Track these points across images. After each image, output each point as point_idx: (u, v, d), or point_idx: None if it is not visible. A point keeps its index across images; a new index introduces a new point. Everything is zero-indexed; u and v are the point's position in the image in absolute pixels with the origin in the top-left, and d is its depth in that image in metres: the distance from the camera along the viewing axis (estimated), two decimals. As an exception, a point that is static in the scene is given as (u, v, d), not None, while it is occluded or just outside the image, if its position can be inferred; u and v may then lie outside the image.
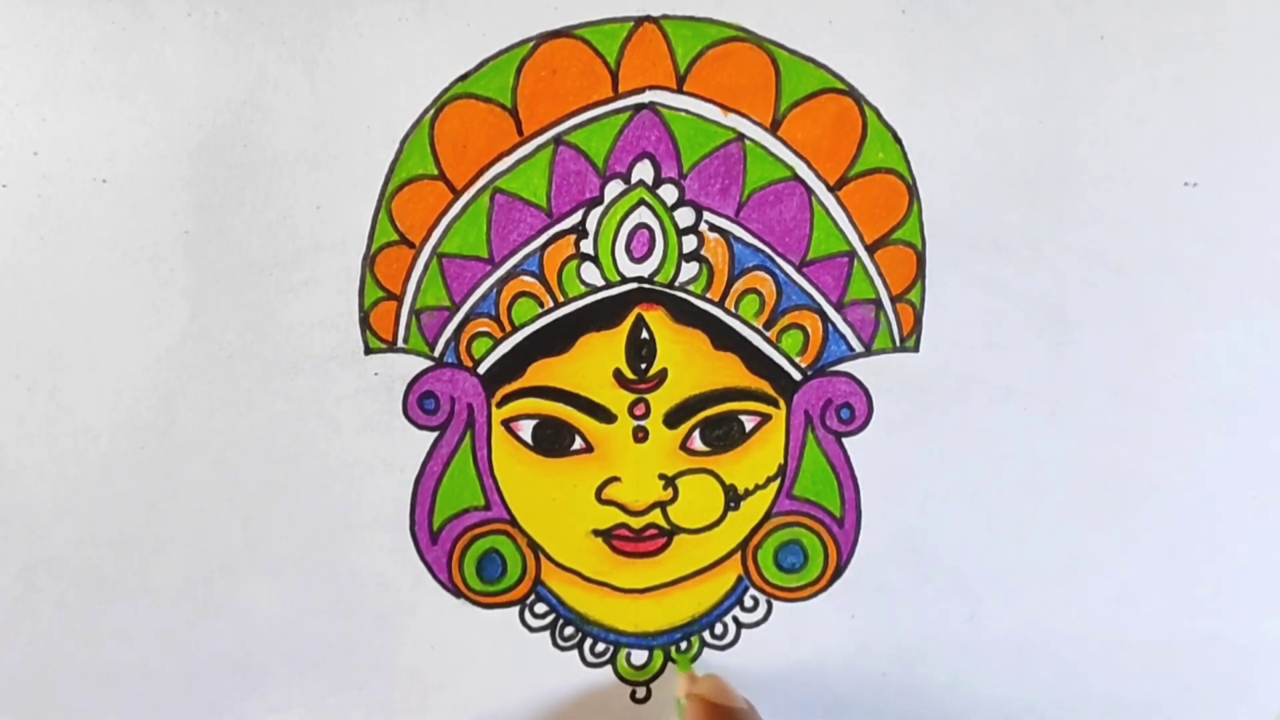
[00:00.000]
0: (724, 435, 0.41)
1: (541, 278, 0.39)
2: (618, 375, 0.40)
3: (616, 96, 0.38)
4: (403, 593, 0.41)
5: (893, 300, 0.41)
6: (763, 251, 0.40)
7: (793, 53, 0.38)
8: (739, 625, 0.43)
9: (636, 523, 0.41)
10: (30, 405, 0.38)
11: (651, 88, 0.38)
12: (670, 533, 0.42)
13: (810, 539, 0.42)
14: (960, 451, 0.42)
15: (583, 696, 0.43)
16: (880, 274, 0.40)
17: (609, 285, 0.39)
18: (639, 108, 0.38)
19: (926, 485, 0.42)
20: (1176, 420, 0.43)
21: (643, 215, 0.39)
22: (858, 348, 0.41)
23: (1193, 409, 0.42)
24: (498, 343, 0.40)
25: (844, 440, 0.42)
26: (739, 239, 0.40)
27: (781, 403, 0.41)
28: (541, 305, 0.39)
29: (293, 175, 0.37)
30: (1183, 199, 0.41)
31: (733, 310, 0.40)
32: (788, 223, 0.40)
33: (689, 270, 0.40)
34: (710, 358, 0.40)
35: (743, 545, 0.43)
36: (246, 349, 0.38)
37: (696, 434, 0.41)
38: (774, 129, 0.39)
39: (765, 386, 0.41)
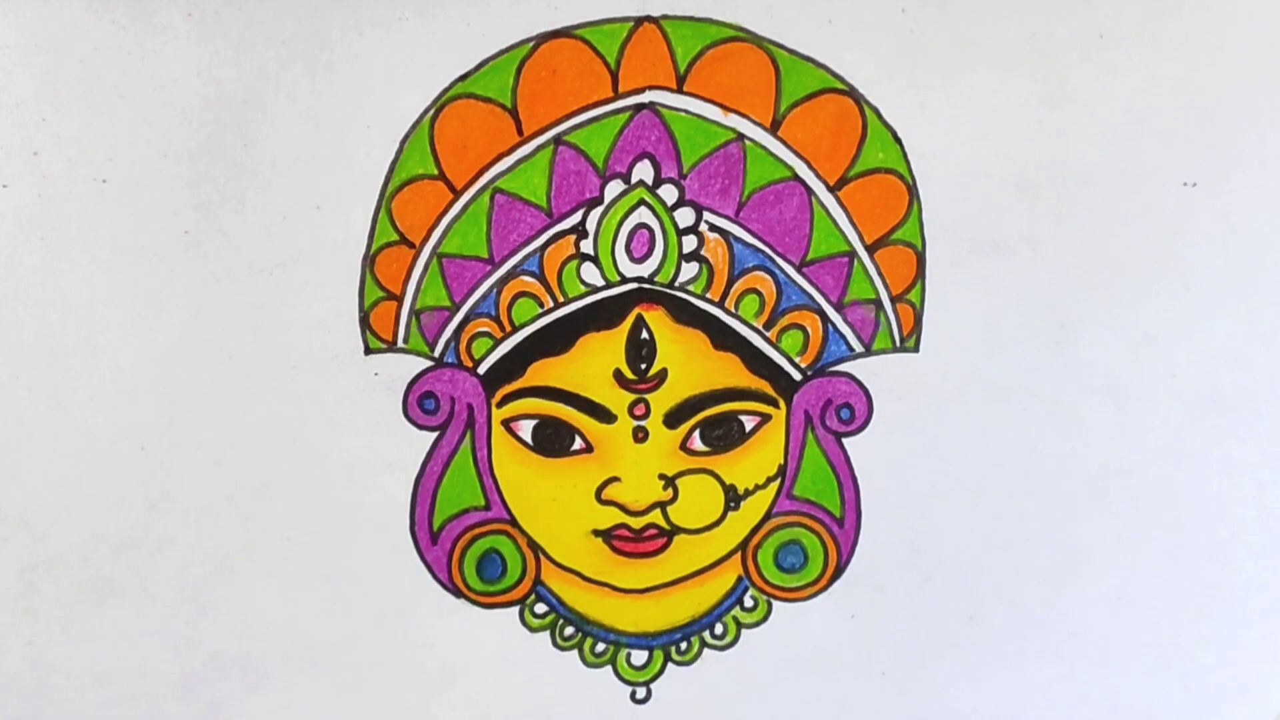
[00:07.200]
0: (724, 435, 0.41)
1: (541, 278, 0.39)
2: (618, 375, 0.40)
3: (616, 96, 0.38)
4: (403, 593, 0.41)
5: (893, 300, 0.41)
6: (763, 251, 0.40)
7: (793, 53, 0.38)
8: (739, 625, 0.43)
9: (636, 523, 0.41)
10: (30, 405, 0.38)
11: (651, 88, 0.38)
12: (670, 533, 0.42)
13: (810, 539, 0.42)
14: (960, 451, 0.42)
15: (583, 696, 0.43)
16: (880, 274, 0.40)
17: (609, 285, 0.39)
18: (639, 108, 0.38)
19: (926, 485, 0.42)
20: (1176, 420, 0.43)
21: (643, 215, 0.39)
22: (858, 348, 0.41)
23: (1193, 409, 0.42)
24: (498, 343, 0.40)
25: (844, 440, 0.42)
26: (739, 239, 0.39)
27: (781, 403, 0.41)
28: (541, 305, 0.39)
29: (293, 175, 0.37)
30: (1183, 199, 0.41)
31: (733, 310, 0.40)
32: (788, 223, 0.40)
33: (689, 270, 0.40)
34: (710, 358, 0.40)
35: (743, 545, 0.43)
36: (246, 349, 0.38)
37: (696, 434, 0.41)
38: (774, 129, 0.39)
39: (765, 386, 0.41)
